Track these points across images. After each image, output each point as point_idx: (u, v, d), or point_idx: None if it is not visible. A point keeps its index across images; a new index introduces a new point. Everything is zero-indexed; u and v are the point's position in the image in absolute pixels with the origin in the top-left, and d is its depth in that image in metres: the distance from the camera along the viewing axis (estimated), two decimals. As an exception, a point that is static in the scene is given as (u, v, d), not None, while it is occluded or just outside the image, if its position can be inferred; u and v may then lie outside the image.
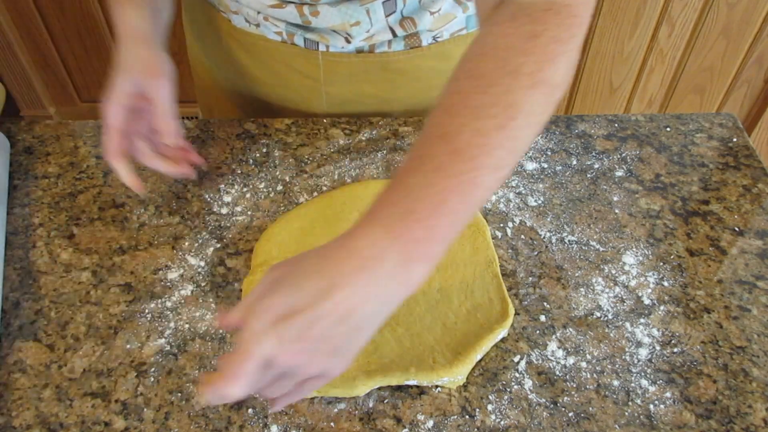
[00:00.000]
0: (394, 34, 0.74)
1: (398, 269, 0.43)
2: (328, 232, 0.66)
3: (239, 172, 0.74)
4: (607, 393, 0.56)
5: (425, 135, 0.47)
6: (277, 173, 0.73)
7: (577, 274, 0.64)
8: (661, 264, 0.65)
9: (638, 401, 0.55)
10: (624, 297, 0.63)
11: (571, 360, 0.58)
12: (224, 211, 0.70)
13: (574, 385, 0.56)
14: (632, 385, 0.56)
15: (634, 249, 0.67)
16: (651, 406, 0.55)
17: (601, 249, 0.67)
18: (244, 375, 0.41)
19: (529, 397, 0.56)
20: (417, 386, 0.56)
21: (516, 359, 0.58)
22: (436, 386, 0.56)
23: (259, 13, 0.75)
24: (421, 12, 0.73)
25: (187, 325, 0.60)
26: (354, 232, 0.44)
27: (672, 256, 0.66)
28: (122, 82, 0.61)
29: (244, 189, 0.72)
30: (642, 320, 0.61)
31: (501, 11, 0.49)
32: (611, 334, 0.60)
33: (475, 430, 0.54)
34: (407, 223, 0.43)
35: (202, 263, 0.65)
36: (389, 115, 0.81)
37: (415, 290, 0.45)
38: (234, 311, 0.44)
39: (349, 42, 0.74)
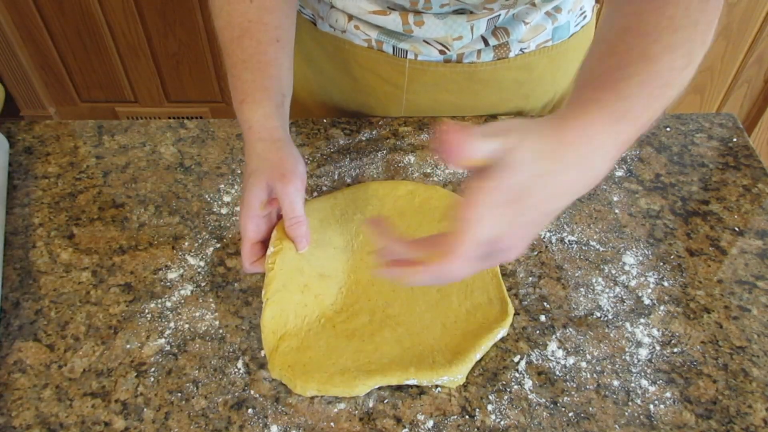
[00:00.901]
0: (486, 43, 0.74)
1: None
2: (337, 231, 0.66)
3: (239, 172, 0.74)
4: (607, 393, 0.56)
5: (620, 53, 0.47)
6: (277, 173, 0.73)
7: (577, 274, 0.64)
8: (661, 264, 0.65)
9: (638, 401, 0.55)
10: (624, 297, 0.63)
11: (571, 360, 0.58)
12: (224, 211, 0.70)
13: (574, 385, 0.56)
14: (632, 385, 0.56)
15: (634, 249, 0.67)
16: (651, 406, 0.55)
17: (601, 249, 0.67)
18: (465, 254, 0.41)
19: (529, 397, 0.56)
20: (417, 386, 0.56)
21: (516, 359, 0.58)
22: (436, 386, 0.56)
23: (351, 20, 0.74)
24: (515, 22, 0.73)
25: (187, 325, 0.60)
26: (576, 123, 0.44)
27: (672, 256, 0.66)
28: (255, 190, 0.58)
29: (244, 189, 0.72)
30: (642, 320, 0.61)
31: None
32: (611, 334, 0.60)
33: (475, 430, 0.54)
34: (622, 126, 0.45)
35: (202, 263, 0.65)
36: None
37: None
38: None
39: (443, 53, 0.74)
